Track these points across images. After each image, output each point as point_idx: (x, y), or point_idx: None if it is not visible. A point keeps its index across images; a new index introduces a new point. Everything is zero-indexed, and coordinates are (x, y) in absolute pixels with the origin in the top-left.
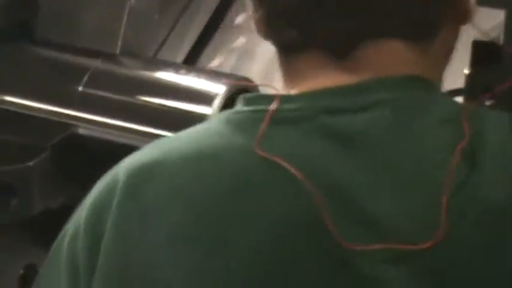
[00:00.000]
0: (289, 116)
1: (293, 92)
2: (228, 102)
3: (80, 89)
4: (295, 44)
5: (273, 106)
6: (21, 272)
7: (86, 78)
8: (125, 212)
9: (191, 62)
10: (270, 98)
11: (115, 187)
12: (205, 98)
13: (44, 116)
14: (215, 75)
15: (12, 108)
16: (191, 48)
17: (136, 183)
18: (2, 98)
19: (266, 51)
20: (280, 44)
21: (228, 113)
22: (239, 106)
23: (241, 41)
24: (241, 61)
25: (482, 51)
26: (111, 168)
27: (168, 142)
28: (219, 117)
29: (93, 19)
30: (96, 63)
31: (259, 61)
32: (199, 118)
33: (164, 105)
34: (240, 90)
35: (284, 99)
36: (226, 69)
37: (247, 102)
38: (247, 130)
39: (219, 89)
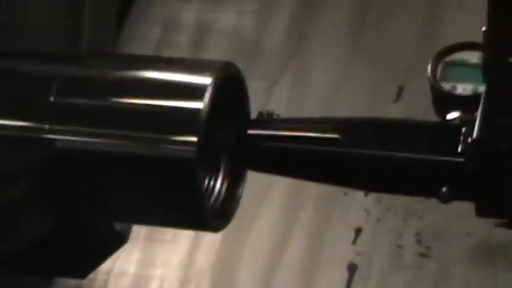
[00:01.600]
0: None
1: None
2: (217, 93)
3: (52, 99)
4: None
5: None
6: None
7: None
8: None
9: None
10: None
11: None
12: (193, 92)
13: (17, 134)
14: (195, 64)
15: None
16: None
17: None
18: None
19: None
20: None
21: None
22: None
23: (164, 8)
24: (167, 32)
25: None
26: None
27: None
28: None
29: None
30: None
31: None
32: (191, 114)
33: (151, 105)
34: (227, 77)
35: None
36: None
37: None
38: None
39: (205, 80)
